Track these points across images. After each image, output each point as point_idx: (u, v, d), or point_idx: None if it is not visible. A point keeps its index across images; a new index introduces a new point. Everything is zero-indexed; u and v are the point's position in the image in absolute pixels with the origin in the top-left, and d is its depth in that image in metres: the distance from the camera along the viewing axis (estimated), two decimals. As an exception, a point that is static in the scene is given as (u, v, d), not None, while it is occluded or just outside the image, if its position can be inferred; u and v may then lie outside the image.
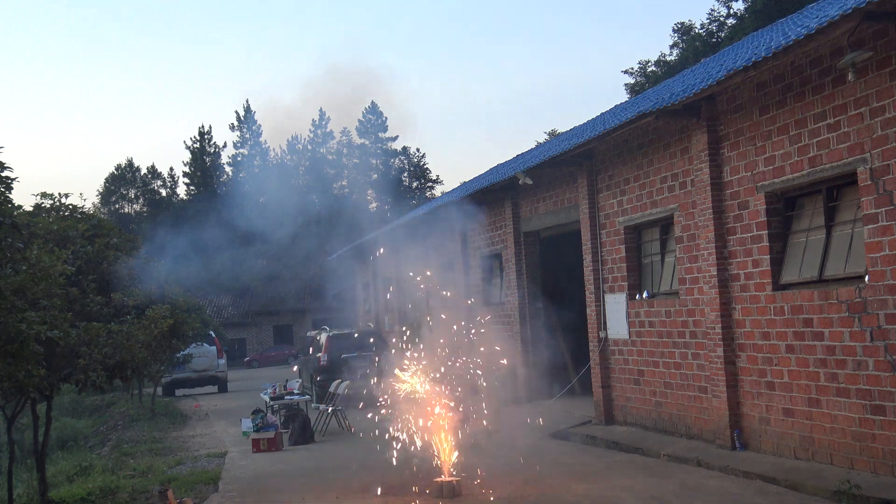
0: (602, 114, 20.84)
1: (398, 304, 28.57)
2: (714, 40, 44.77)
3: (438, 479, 10.85)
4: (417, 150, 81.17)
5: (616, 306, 15.32)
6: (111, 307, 13.85)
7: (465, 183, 29.07)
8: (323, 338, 24.25)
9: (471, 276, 22.17)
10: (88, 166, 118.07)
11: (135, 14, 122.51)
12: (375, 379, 12.52)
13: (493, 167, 27.03)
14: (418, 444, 11.26)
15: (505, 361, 12.28)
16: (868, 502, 8.87)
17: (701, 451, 12.12)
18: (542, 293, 18.98)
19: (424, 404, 11.17)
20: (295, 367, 27.72)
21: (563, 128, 52.31)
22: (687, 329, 13.23)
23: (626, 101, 26.12)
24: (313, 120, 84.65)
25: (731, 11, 45.97)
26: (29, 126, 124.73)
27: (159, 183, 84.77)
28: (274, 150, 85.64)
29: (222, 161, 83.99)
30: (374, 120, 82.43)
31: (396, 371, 11.55)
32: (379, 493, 11.04)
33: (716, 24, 46.38)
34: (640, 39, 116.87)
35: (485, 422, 11.59)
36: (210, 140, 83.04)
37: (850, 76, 9.49)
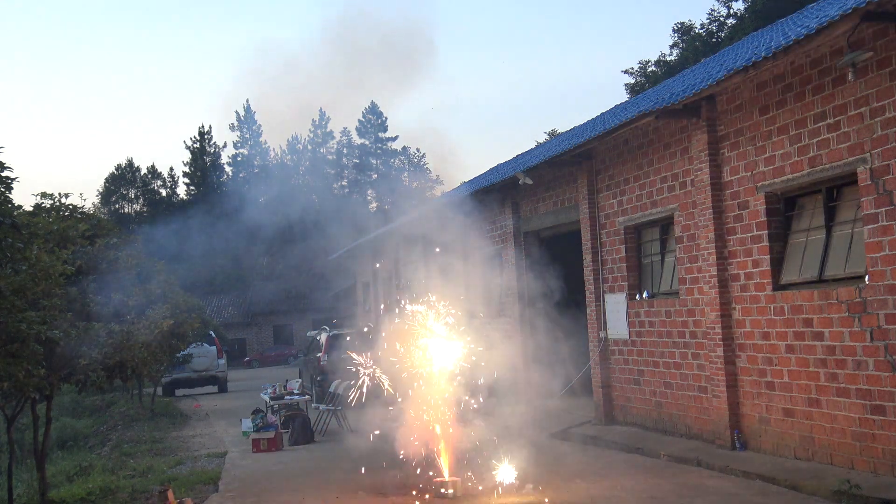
0: (602, 114, 20.84)
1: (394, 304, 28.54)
2: (714, 40, 44.78)
3: (438, 479, 10.85)
4: (417, 149, 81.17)
5: (616, 306, 15.32)
6: (111, 307, 13.84)
7: (465, 183, 29.03)
8: (323, 338, 24.24)
9: (470, 276, 22.14)
10: (88, 166, 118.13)
11: (135, 13, 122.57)
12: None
13: (493, 167, 27.02)
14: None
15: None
16: (868, 502, 8.87)
17: (701, 451, 12.12)
18: (541, 293, 18.96)
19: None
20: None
21: (563, 128, 52.32)
22: (687, 329, 13.23)
23: (626, 101, 26.12)
24: (313, 120, 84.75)
25: (731, 11, 45.99)
26: (29, 126, 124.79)
27: (159, 183, 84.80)
28: (274, 149, 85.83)
29: (222, 161, 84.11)
30: (374, 120, 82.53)
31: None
32: (379, 492, 11.04)
33: (716, 24, 46.39)
34: (640, 39, 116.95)
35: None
36: (210, 140, 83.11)
37: (850, 76, 9.50)
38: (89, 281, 13.39)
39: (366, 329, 28.85)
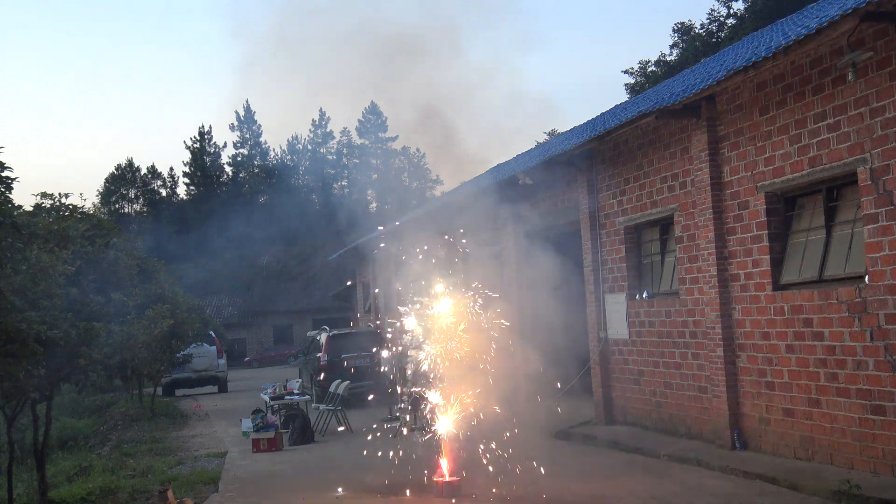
0: (602, 114, 20.83)
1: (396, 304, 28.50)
2: (714, 40, 44.81)
3: (439, 479, 10.85)
4: (417, 149, 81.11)
5: (616, 306, 15.32)
6: (111, 307, 13.85)
7: (465, 183, 29.02)
8: (323, 338, 24.25)
9: (470, 276, 22.11)
10: (88, 166, 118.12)
11: (135, 13, 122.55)
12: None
13: (493, 167, 27.01)
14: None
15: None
16: (868, 502, 8.86)
17: (701, 451, 12.11)
18: (540, 293, 18.95)
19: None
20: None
21: (563, 128, 52.33)
22: (687, 329, 13.23)
23: (626, 101, 26.11)
24: (313, 120, 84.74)
25: (731, 11, 46.04)
26: (29, 126, 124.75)
27: (159, 183, 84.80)
28: (274, 150, 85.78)
29: (222, 161, 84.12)
30: (374, 120, 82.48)
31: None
32: (379, 492, 11.05)
33: (716, 24, 46.43)
34: (640, 39, 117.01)
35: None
36: (210, 140, 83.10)
37: (850, 76, 9.49)
38: (89, 281, 13.40)
39: (373, 325, 28.79)
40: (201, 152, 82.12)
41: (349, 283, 42.45)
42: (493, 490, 10.78)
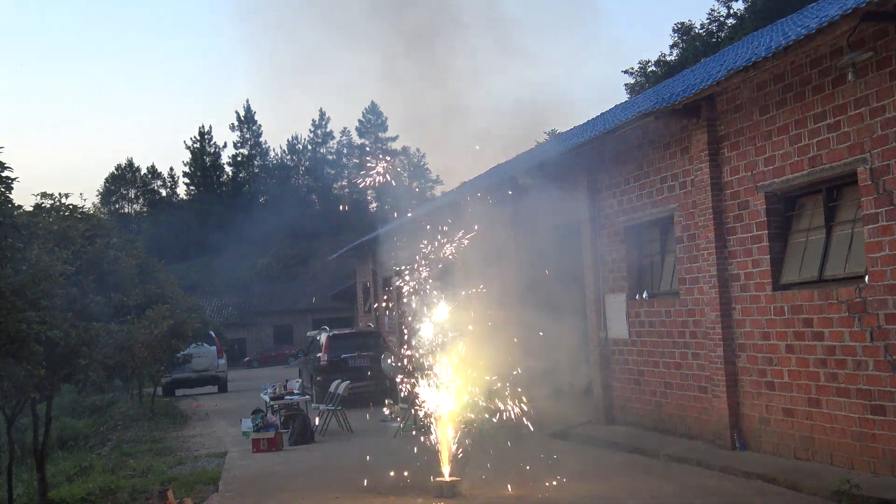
0: (602, 114, 20.83)
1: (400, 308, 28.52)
2: (714, 40, 44.82)
3: (439, 479, 10.85)
4: (418, 149, 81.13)
5: (616, 306, 15.32)
6: (111, 307, 13.85)
7: (465, 183, 29.01)
8: (323, 338, 24.26)
9: (469, 276, 22.10)
10: (88, 166, 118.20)
11: (135, 14, 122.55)
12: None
13: (493, 167, 27.00)
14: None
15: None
16: (868, 502, 8.86)
17: (701, 451, 12.11)
18: (540, 293, 18.95)
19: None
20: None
21: (563, 128, 52.31)
22: (687, 329, 13.23)
23: (626, 101, 26.10)
24: (313, 120, 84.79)
25: (731, 11, 46.06)
26: (29, 126, 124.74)
27: (159, 183, 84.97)
28: (274, 150, 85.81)
29: (222, 161, 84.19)
30: (374, 120, 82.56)
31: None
32: (379, 492, 11.04)
33: (716, 24, 46.44)
34: (640, 39, 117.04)
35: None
36: (210, 140, 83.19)
37: (850, 76, 9.49)
38: (89, 281, 13.40)
39: (369, 326, 28.79)
40: (201, 152, 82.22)
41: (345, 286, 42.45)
42: (493, 490, 10.78)
